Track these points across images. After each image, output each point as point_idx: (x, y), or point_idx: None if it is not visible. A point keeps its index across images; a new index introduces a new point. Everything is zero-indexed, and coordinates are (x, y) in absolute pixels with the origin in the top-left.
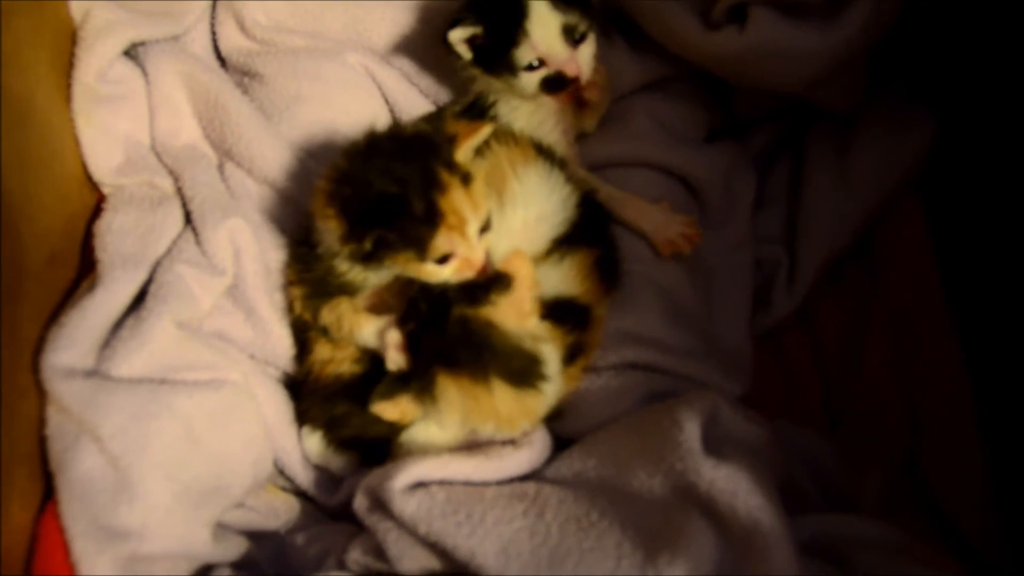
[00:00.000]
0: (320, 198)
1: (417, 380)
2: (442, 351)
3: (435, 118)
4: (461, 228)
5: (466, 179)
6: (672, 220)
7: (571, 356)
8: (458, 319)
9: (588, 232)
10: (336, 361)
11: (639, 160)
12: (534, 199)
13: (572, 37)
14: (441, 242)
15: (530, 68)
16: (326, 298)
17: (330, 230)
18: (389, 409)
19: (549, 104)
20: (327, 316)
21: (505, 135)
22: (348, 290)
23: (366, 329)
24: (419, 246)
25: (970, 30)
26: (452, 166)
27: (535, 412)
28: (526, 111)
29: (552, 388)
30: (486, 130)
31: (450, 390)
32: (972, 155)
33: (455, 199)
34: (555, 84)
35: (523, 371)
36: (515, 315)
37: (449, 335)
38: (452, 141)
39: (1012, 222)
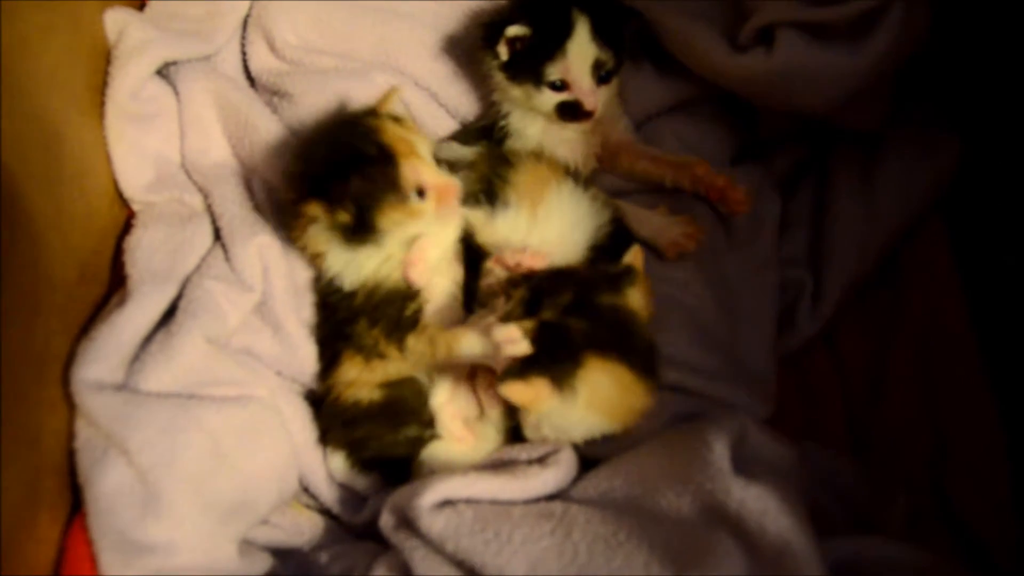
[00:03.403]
0: (299, 212)
1: (559, 364)
2: (595, 336)
3: (460, 135)
4: (415, 152)
5: (396, 120)
6: (671, 222)
7: None
8: (609, 306)
9: (622, 246)
10: (357, 384)
11: None
12: (567, 208)
13: (599, 72)
14: (407, 171)
15: (554, 87)
16: (407, 330)
17: (315, 220)
18: (521, 391)
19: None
20: (417, 346)
21: (535, 155)
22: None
23: (465, 340)
24: (392, 183)
25: (995, 51)
26: (376, 114)
27: (645, 410)
28: (539, 126)
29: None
30: (395, 93)
31: (597, 376)
32: (997, 176)
33: (393, 131)
34: (570, 111)
35: (649, 364)
36: (641, 307)
37: (604, 320)
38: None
39: None
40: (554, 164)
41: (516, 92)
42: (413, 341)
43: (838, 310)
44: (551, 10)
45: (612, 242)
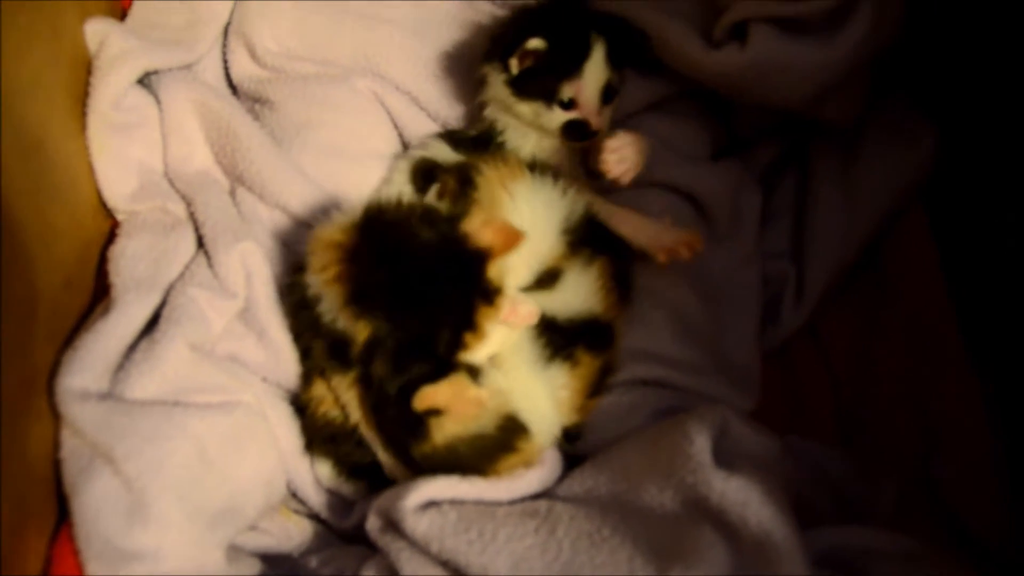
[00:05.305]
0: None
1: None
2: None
3: (450, 137)
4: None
5: (494, 295)
6: (670, 232)
7: (604, 374)
8: None
9: (602, 238)
10: (327, 402)
11: (645, 180)
12: (530, 203)
13: (606, 94)
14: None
15: (563, 105)
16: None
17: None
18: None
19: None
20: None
21: (494, 158)
22: None
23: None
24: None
25: (972, 40)
26: (487, 293)
27: None
28: (534, 138)
29: None
30: (521, 237)
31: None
32: (976, 164)
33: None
34: (576, 131)
35: None
36: None
37: None
38: (482, 258)
39: (1018, 229)
40: (515, 163)
41: (523, 109)
42: (337, 380)
43: (822, 301)
44: (569, 29)
45: (589, 230)
